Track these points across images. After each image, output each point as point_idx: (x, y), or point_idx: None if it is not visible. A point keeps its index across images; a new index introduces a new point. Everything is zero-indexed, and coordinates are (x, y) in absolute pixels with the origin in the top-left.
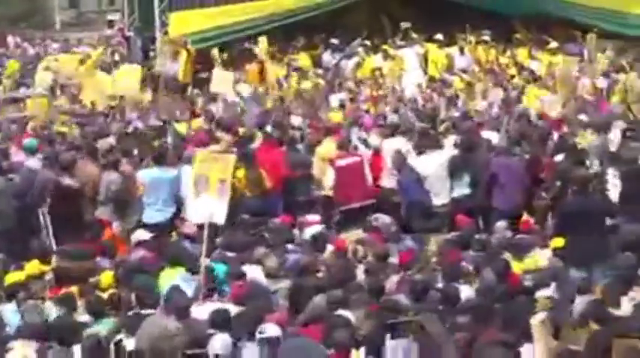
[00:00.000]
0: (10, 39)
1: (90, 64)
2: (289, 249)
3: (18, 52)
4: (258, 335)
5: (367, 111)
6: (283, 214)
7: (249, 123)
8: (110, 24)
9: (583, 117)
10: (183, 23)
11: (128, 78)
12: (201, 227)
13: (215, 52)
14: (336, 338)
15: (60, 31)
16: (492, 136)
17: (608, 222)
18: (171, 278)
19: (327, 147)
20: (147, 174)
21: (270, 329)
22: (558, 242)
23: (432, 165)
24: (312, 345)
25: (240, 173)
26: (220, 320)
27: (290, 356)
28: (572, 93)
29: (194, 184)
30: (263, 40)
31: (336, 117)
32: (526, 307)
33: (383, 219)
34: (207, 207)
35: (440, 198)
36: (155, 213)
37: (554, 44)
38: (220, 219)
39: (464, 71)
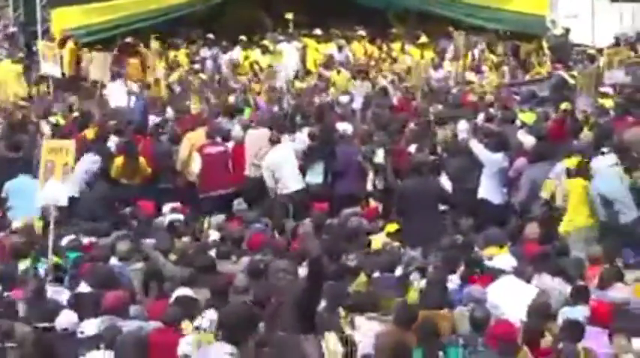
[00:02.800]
0: None
1: None
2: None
3: None
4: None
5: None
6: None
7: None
8: None
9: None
10: (65, 19)
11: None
12: None
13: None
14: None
15: None
16: (348, 128)
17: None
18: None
19: (199, 134)
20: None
21: (88, 328)
22: (392, 227)
23: (283, 153)
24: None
25: (119, 161)
26: (72, 300)
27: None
28: (422, 85)
29: (43, 171)
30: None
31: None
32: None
33: (243, 205)
34: (52, 191)
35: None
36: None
37: (424, 39)
38: (63, 201)
39: (341, 65)
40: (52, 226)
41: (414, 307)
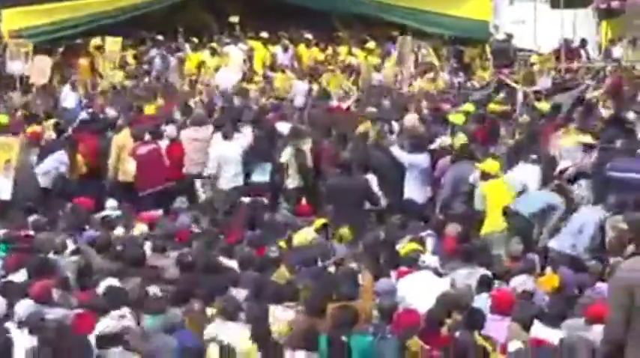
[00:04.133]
0: None
1: None
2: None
3: None
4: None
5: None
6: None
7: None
8: None
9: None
10: (15, 20)
11: None
12: None
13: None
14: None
15: None
16: (286, 127)
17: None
18: None
19: (124, 135)
20: None
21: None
22: (319, 222)
23: (234, 149)
24: None
25: None
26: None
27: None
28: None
29: None
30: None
31: (150, 109)
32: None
33: (184, 204)
34: None
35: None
36: None
37: (371, 44)
38: (6, 195)
39: (286, 66)
40: None
41: (323, 297)
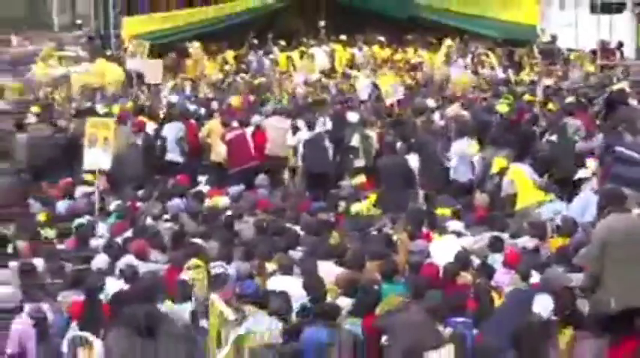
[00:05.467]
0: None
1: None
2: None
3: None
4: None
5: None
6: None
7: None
8: (78, 26)
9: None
10: (134, 26)
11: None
12: None
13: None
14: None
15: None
16: (354, 116)
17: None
18: None
19: (214, 122)
20: None
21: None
22: (373, 196)
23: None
24: None
25: None
26: (106, 248)
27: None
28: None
29: (88, 141)
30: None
31: (236, 101)
32: None
33: (262, 178)
34: (96, 158)
35: None
36: None
37: (436, 44)
38: (106, 166)
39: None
40: (97, 191)
41: (362, 255)
